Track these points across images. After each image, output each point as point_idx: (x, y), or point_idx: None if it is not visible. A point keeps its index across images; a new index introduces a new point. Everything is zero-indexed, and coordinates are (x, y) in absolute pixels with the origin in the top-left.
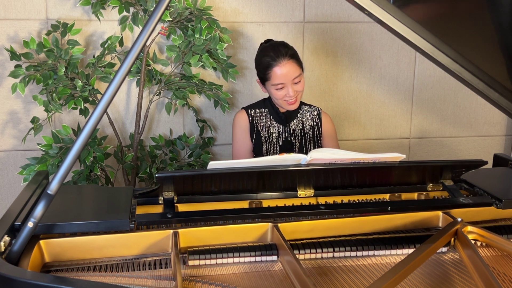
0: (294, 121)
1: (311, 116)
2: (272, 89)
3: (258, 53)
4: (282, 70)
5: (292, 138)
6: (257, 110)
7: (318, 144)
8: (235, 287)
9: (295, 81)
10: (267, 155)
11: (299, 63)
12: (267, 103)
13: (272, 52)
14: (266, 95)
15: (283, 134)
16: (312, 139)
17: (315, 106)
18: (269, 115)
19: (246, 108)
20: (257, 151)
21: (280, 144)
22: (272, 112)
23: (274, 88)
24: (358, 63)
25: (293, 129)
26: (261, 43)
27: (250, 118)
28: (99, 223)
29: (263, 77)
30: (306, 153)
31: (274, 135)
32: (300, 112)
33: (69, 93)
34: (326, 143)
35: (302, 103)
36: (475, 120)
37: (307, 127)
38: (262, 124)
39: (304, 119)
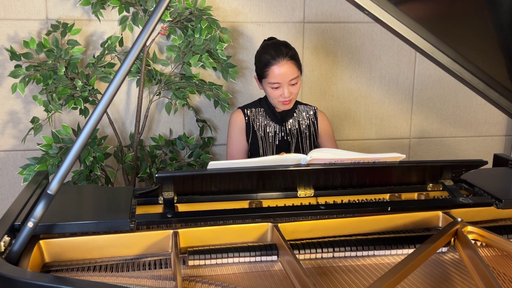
0: (290, 120)
1: (307, 115)
2: (267, 87)
3: (259, 49)
4: (280, 70)
5: (288, 137)
6: (253, 109)
7: (314, 143)
8: (235, 287)
9: (291, 83)
10: (263, 155)
11: (298, 65)
12: (263, 103)
13: (272, 51)
14: (262, 95)
15: (280, 134)
16: (308, 138)
17: (311, 105)
18: (265, 115)
19: (242, 108)
20: (253, 151)
21: (277, 143)
22: (268, 112)
23: (270, 86)
24: (358, 63)
25: (289, 128)
26: (264, 40)
27: (247, 118)
28: (99, 223)
29: (261, 74)
30: (303, 153)
31: (270, 134)
32: (296, 111)
33: (69, 93)
34: (323, 143)
35: (298, 102)
36: (475, 120)
37: (303, 126)
38: (258, 123)
39: (300, 118)
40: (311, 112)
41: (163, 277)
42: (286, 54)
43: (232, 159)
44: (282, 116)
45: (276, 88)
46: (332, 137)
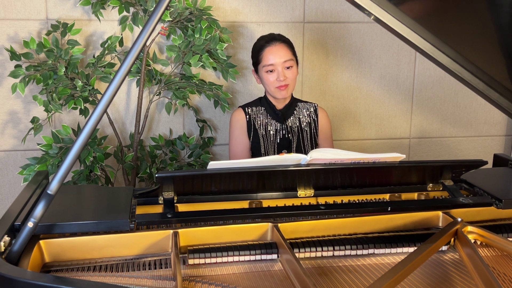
0: (291, 118)
1: (308, 112)
2: (263, 73)
3: (255, 42)
4: (273, 51)
5: (289, 135)
6: (254, 108)
7: (315, 140)
8: (235, 287)
9: (286, 65)
10: (265, 153)
11: (292, 50)
12: (264, 102)
13: (267, 37)
14: (262, 94)
15: (281, 132)
16: (309, 135)
17: (311, 102)
18: (266, 113)
19: (243, 107)
20: (255, 150)
21: (278, 141)
22: (269, 110)
23: (265, 70)
24: (358, 63)
25: (290, 126)
26: None
27: (248, 117)
28: (99, 223)
29: (256, 61)
30: (304, 150)
31: (271, 132)
32: (297, 109)
33: (69, 93)
34: (320, 143)
35: (298, 100)
36: (475, 120)
37: (304, 123)
38: (259, 122)
39: (300, 116)
40: (312, 109)
41: (163, 277)
42: (279, 38)
43: (236, 158)
44: (283, 114)
45: (271, 71)
46: (329, 138)
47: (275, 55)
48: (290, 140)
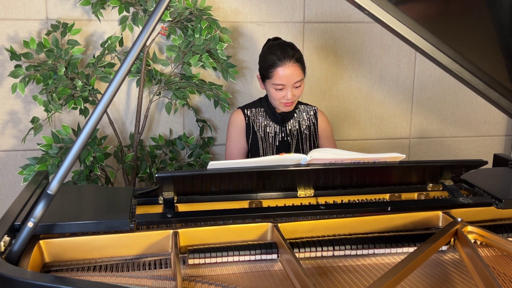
0: (291, 121)
1: (308, 115)
2: (271, 88)
3: (264, 49)
4: (286, 72)
5: (288, 138)
6: (253, 109)
7: (314, 143)
8: (235, 287)
9: (295, 85)
10: (263, 155)
11: (303, 68)
12: (263, 103)
13: (279, 51)
14: (262, 95)
15: (280, 134)
16: (308, 138)
17: (311, 105)
18: (265, 115)
19: (242, 108)
20: (253, 151)
21: (277, 144)
22: (268, 112)
23: (274, 87)
24: (358, 63)
25: (290, 129)
26: (269, 39)
27: (247, 118)
28: (99, 223)
29: (265, 74)
30: (303, 153)
31: (270, 135)
32: (297, 111)
33: (69, 93)
34: (322, 144)
35: (298, 102)
36: (475, 120)
37: (304, 126)
38: (258, 124)
39: (300, 119)
40: (312, 113)
41: (163, 277)
42: (292, 56)
43: (230, 159)
44: (283, 116)
45: (280, 89)
46: (331, 138)
47: (287, 77)
48: (289, 143)
